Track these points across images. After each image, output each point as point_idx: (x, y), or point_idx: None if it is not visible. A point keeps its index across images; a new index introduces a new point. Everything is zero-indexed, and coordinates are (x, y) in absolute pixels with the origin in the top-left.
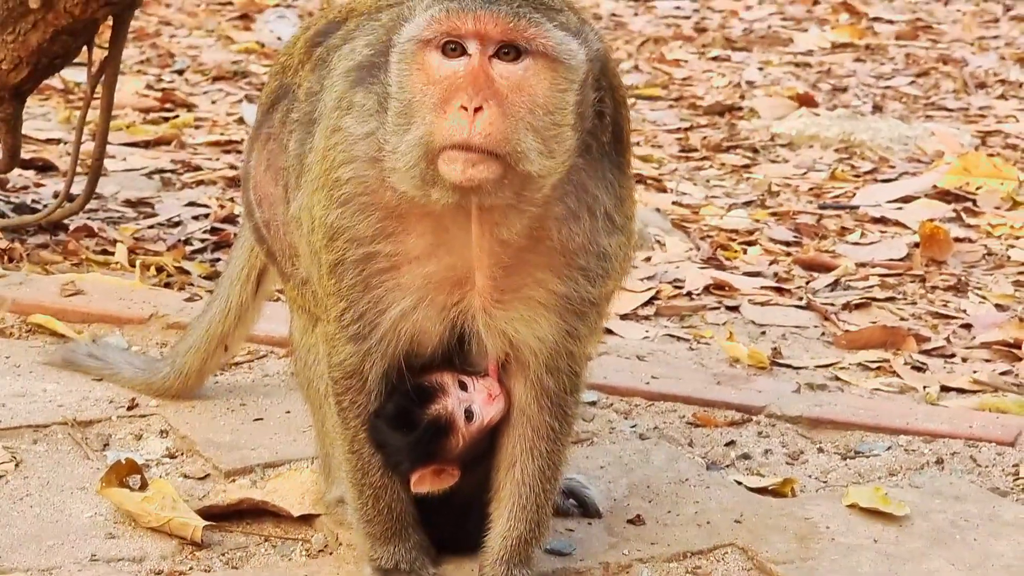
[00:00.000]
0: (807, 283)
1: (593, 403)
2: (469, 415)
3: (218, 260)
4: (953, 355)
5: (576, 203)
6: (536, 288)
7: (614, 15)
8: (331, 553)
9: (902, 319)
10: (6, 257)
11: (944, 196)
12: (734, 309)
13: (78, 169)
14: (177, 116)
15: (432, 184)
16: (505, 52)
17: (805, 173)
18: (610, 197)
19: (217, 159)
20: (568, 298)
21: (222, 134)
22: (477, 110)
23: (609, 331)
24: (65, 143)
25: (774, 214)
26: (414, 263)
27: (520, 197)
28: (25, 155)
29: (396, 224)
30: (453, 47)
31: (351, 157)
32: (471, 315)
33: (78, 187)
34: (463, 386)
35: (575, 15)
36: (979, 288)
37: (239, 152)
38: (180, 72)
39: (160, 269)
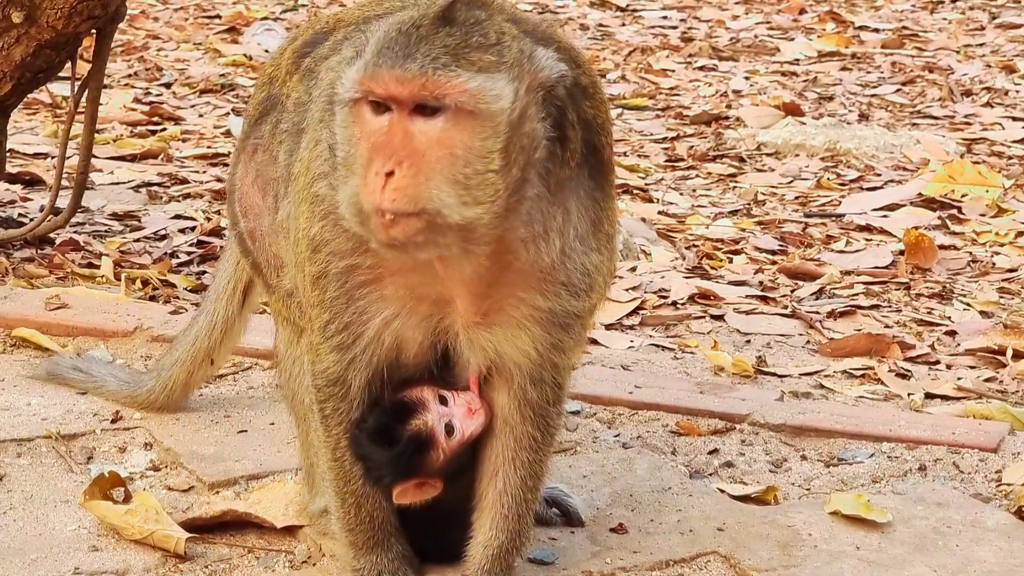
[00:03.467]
0: (792, 291)
1: (576, 413)
2: (450, 430)
3: (204, 273)
4: (938, 362)
5: (543, 226)
6: (519, 306)
7: (601, 25)
8: (314, 564)
9: (887, 327)
10: None
11: (929, 204)
12: (719, 318)
13: (64, 183)
14: (164, 129)
15: (371, 238)
16: (423, 107)
17: (791, 182)
18: (583, 220)
19: (204, 172)
20: (552, 312)
21: (209, 147)
22: (389, 174)
23: (594, 341)
24: (51, 157)
25: (760, 223)
26: (396, 275)
27: (462, 242)
28: (12, 169)
29: None
30: (379, 104)
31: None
32: (454, 331)
33: (64, 201)
34: (443, 401)
35: (518, 42)
36: (964, 295)
37: (226, 165)
38: (167, 85)
39: (146, 282)
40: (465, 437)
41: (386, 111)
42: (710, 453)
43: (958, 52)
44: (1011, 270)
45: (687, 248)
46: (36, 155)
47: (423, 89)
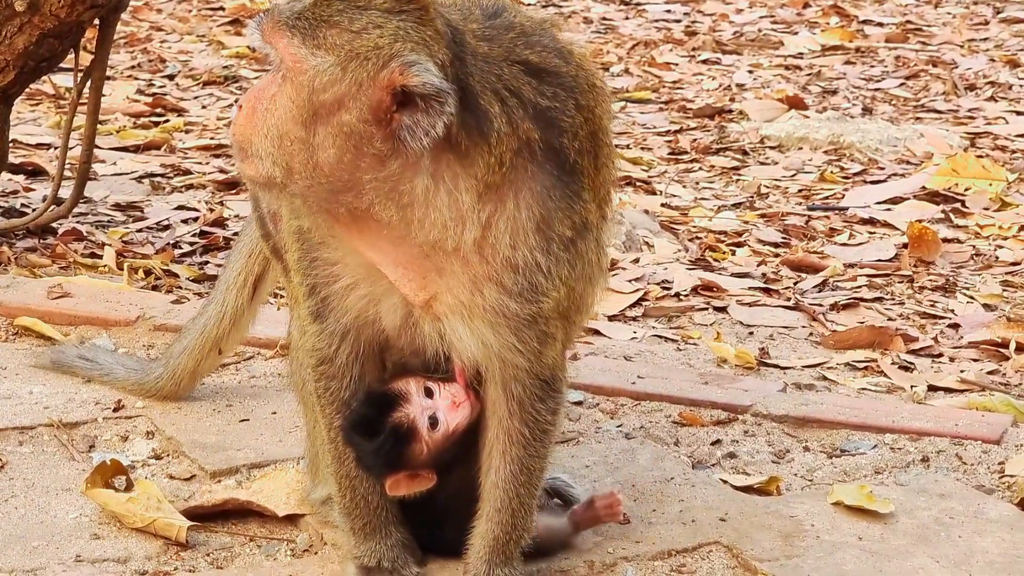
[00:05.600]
0: (795, 284)
1: (579, 403)
2: (433, 422)
3: (207, 263)
4: (941, 355)
5: (453, 211)
6: (447, 294)
7: (604, 19)
8: (316, 553)
9: (890, 319)
10: None
11: (933, 197)
12: (722, 310)
13: (66, 173)
14: (167, 121)
15: None
16: (271, 62)
17: (794, 175)
18: (522, 215)
19: (207, 163)
20: (484, 308)
21: (212, 138)
22: (239, 108)
23: (597, 332)
24: (54, 148)
25: (763, 216)
26: (339, 239)
27: (285, 195)
28: (15, 160)
29: None
30: None
31: None
32: (412, 312)
33: (66, 191)
34: (429, 392)
35: (387, 42)
36: (967, 288)
37: (229, 156)
38: (171, 77)
39: (148, 272)
40: (450, 430)
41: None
42: (713, 444)
43: (962, 46)
44: (1014, 263)
45: (690, 240)
46: (39, 146)
47: (264, 39)
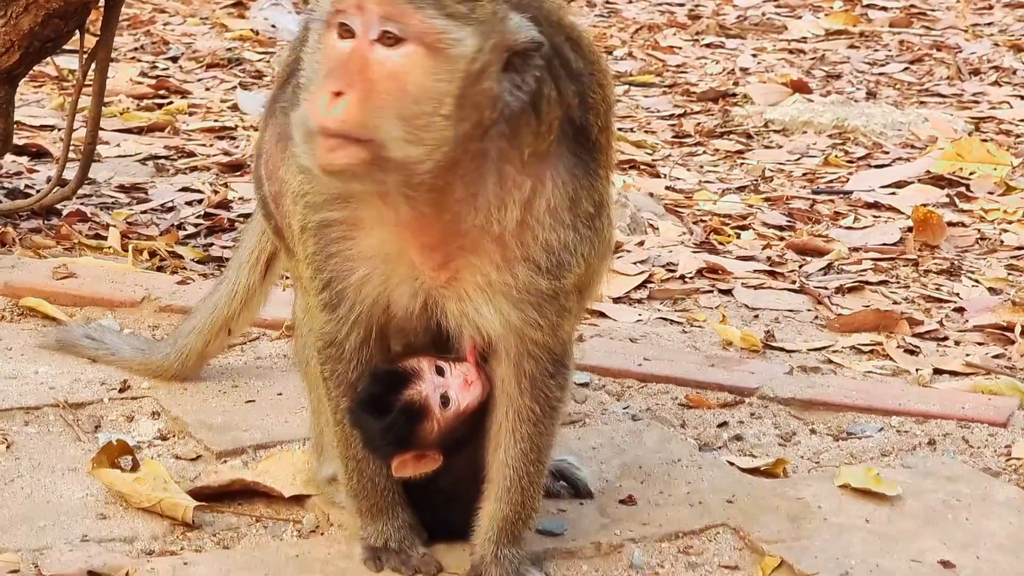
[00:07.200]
0: (800, 267)
1: (585, 384)
2: (445, 401)
3: (211, 245)
4: (946, 338)
5: (499, 193)
6: (475, 274)
7: (608, 2)
8: (322, 533)
9: (895, 303)
10: None
11: (937, 181)
12: (727, 293)
13: (71, 155)
14: (171, 103)
15: (312, 164)
16: (388, 37)
17: (799, 159)
18: (569, 187)
19: (211, 145)
20: (510, 286)
21: (216, 121)
22: (338, 94)
23: (602, 314)
24: (58, 129)
25: (767, 199)
26: (365, 231)
27: (400, 182)
28: (18, 141)
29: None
30: (347, 28)
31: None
32: (433, 295)
33: (71, 173)
34: (440, 371)
35: (494, 3)
36: (972, 272)
37: (233, 139)
38: (174, 59)
39: (153, 254)
40: (461, 409)
41: (351, 37)
42: (719, 426)
43: (966, 31)
44: (1019, 247)
45: (695, 223)
46: (42, 127)
47: (388, 14)
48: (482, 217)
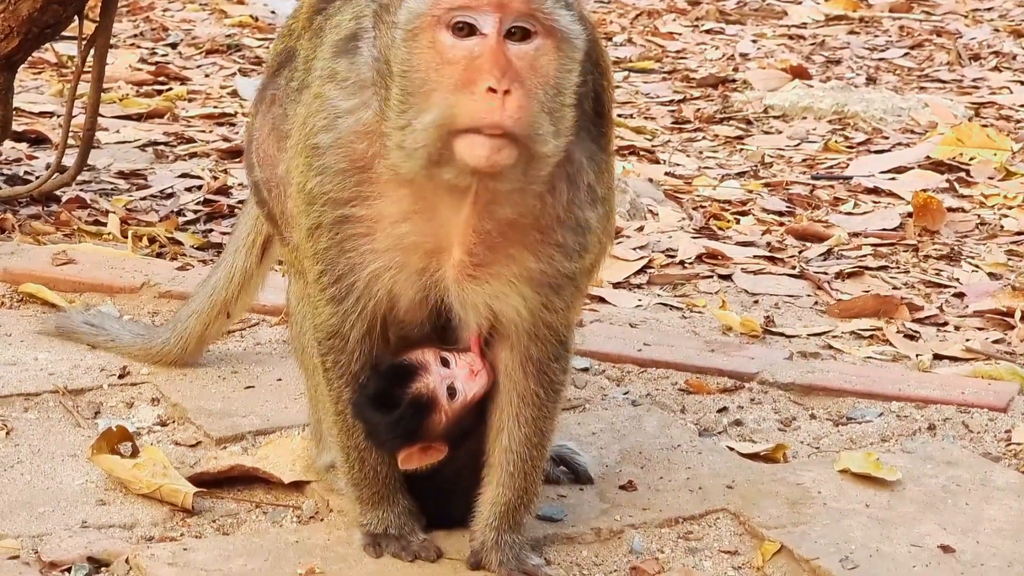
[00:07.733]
0: (800, 252)
1: (585, 370)
2: (452, 392)
3: (211, 231)
4: (946, 324)
5: (556, 174)
6: (509, 264)
7: None
8: (322, 519)
9: (895, 288)
10: None
11: (937, 167)
12: (727, 278)
13: (70, 141)
14: (170, 89)
15: (442, 165)
16: (513, 32)
17: (798, 144)
18: (591, 168)
19: (210, 131)
20: (544, 273)
21: (215, 107)
22: (507, 92)
23: (602, 299)
24: (58, 116)
25: (767, 185)
26: (388, 226)
27: (526, 178)
28: (18, 128)
29: (373, 188)
30: (461, 27)
31: (331, 125)
32: (444, 286)
33: (70, 159)
34: (445, 362)
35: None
36: (972, 257)
37: (232, 125)
38: (173, 46)
39: (152, 240)
40: (468, 399)
41: (470, 35)
42: (719, 411)
43: (966, 16)
44: (1019, 233)
45: (694, 209)
46: (42, 114)
47: (526, 10)
48: (542, 204)
